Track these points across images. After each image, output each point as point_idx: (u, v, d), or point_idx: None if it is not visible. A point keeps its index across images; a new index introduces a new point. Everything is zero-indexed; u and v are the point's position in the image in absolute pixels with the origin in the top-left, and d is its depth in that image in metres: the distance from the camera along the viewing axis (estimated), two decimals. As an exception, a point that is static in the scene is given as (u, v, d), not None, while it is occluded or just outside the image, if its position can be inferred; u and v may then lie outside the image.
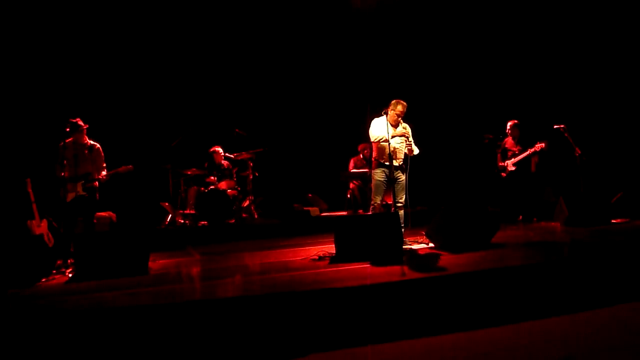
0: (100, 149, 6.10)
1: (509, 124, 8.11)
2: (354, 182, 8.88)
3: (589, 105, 9.32)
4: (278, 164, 9.96)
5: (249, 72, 9.95)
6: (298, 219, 8.53)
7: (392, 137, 5.74)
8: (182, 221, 8.10)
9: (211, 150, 8.61)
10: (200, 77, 9.73)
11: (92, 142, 6.07)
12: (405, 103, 5.82)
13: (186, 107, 9.62)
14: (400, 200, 5.85)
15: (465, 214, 5.54)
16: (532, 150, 7.70)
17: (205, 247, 6.92)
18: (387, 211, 6.07)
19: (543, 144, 7.59)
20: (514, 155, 7.95)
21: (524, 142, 7.99)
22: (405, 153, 5.83)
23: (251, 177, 8.62)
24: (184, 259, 6.17)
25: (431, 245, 5.71)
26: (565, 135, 7.44)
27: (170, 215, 8.20)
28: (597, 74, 9.34)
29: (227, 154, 8.64)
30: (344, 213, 8.94)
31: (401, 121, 5.88)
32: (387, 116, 5.82)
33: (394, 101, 5.84)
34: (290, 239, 7.25)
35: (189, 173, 8.31)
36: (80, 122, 5.96)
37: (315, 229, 7.78)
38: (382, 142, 5.75)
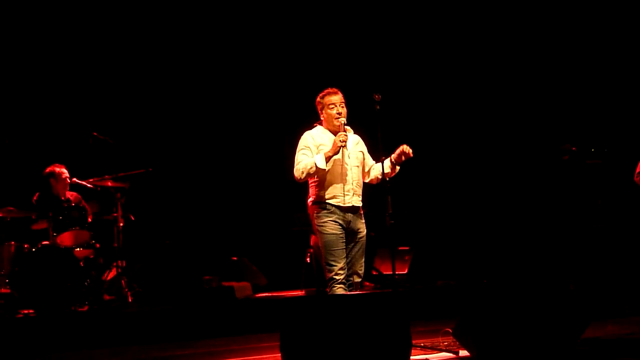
0: None
1: None
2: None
3: None
4: (173, 200, 10.10)
5: (115, 35, 10.29)
6: (211, 304, 8.40)
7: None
8: (-15, 308, 8.06)
9: (47, 171, 8.60)
10: (25, 41, 9.89)
11: None
12: (336, 89, 6.21)
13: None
14: (358, 270, 6.11)
15: (525, 297, 5.56)
16: None
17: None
18: (379, 289, 6.06)
19: None
20: None
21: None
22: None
23: (122, 223, 8.68)
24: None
25: (464, 353, 5.71)
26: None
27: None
28: None
29: (76, 180, 8.63)
30: (299, 292, 9.04)
31: (346, 127, 6.06)
32: (323, 124, 6.25)
33: (318, 97, 6.23)
34: (195, 342, 7.20)
35: (2, 215, 8.18)
36: None
37: (243, 324, 7.84)
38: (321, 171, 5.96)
